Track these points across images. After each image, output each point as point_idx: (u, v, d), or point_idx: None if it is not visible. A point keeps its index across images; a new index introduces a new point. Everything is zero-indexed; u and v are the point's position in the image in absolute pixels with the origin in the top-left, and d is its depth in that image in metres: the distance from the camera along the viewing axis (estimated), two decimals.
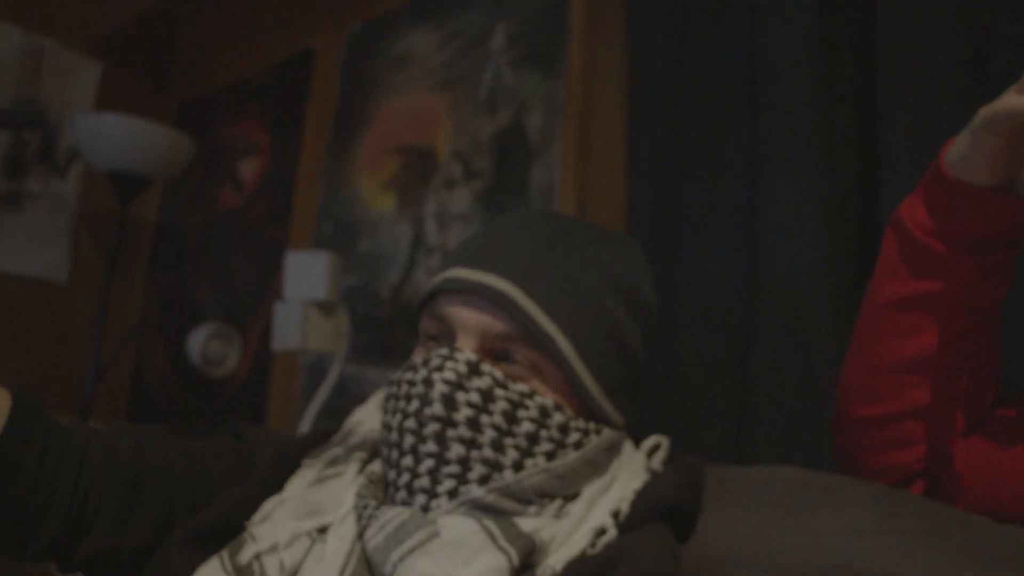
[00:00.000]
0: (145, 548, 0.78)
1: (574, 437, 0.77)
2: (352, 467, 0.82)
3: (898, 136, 1.17)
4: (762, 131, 1.30)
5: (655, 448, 0.87)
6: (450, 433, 0.73)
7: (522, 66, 1.89)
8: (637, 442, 0.88)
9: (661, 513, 0.75)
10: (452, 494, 0.73)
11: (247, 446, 0.91)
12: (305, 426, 1.80)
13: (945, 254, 0.76)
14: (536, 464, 0.74)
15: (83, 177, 2.74)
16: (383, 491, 0.78)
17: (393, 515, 0.71)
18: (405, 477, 0.74)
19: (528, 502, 0.73)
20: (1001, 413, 0.80)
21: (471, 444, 0.73)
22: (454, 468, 0.73)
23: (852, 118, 1.25)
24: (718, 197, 1.35)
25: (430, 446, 0.73)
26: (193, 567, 0.74)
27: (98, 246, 2.76)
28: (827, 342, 1.18)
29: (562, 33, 1.83)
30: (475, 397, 0.73)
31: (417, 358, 0.80)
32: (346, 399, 2.02)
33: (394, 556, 0.68)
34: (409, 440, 0.74)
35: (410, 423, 0.74)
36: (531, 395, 0.75)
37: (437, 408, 0.72)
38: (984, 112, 0.71)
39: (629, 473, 0.80)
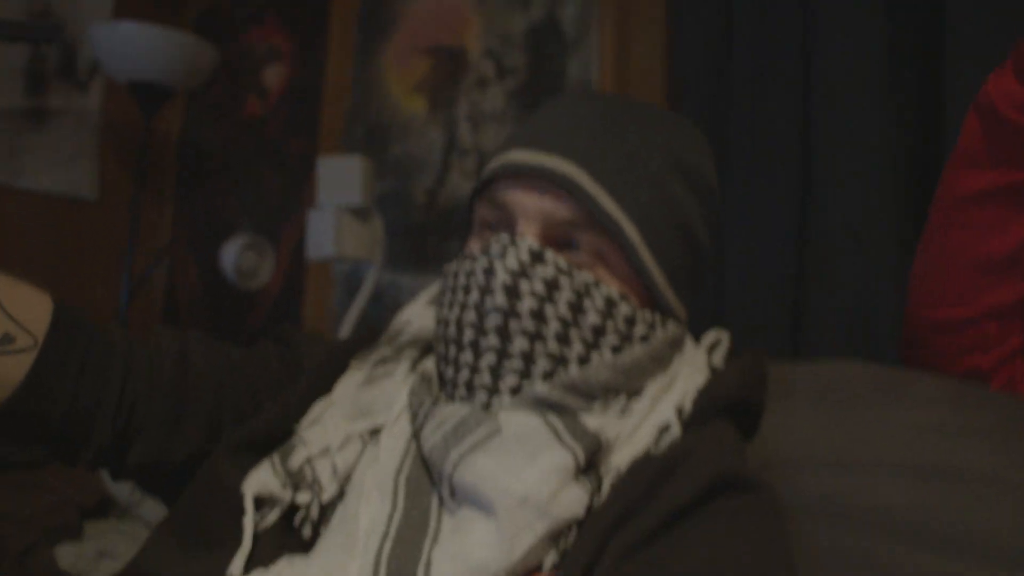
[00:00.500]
0: (194, 456, 0.76)
1: (640, 330, 0.73)
2: (403, 366, 0.79)
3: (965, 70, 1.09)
4: (815, 32, 1.22)
5: (715, 344, 0.83)
6: (513, 325, 0.69)
7: None
8: (696, 336, 0.84)
9: (725, 410, 0.72)
10: (515, 390, 0.69)
11: (292, 351, 0.88)
12: (344, 336, 1.79)
13: None
14: (602, 358, 0.70)
15: (105, 90, 2.68)
16: (438, 390, 0.75)
17: (451, 412, 0.68)
18: (464, 374, 0.71)
19: (593, 398, 0.70)
20: None
21: (535, 336, 0.69)
22: (517, 363, 0.69)
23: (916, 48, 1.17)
24: (768, 95, 1.28)
25: (492, 339, 0.69)
26: (244, 473, 0.72)
27: (125, 161, 2.72)
28: (889, 256, 1.13)
29: None
30: (539, 286, 0.69)
31: (473, 247, 0.76)
32: (382, 308, 2.00)
33: (454, 454, 0.65)
34: (469, 334, 0.70)
35: (469, 315, 0.70)
36: (597, 285, 0.71)
37: (499, 298, 0.68)
38: None
39: (691, 369, 0.76)
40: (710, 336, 0.83)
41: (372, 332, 0.89)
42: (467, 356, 0.70)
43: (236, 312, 2.50)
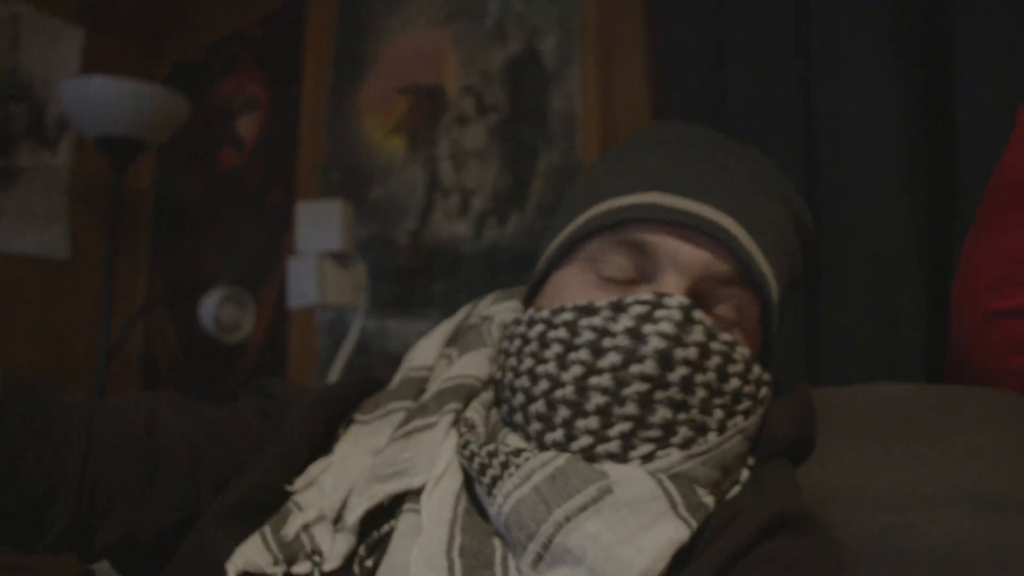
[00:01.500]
0: (169, 530, 0.68)
1: (763, 392, 0.67)
2: (446, 419, 0.69)
3: (973, 32, 1.05)
4: (815, 26, 1.18)
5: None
6: (658, 395, 0.61)
7: None
8: None
9: (780, 449, 0.67)
10: (647, 458, 0.61)
11: (274, 403, 0.80)
12: None
13: None
14: (736, 424, 0.64)
15: (75, 148, 2.62)
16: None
17: (544, 461, 0.59)
18: (584, 440, 0.62)
19: (725, 471, 0.63)
20: None
21: (680, 407, 0.61)
22: (656, 432, 0.61)
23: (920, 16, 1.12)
24: (768, 104, 1.23)
25: (629, 408, 0.61)
26: (236, 542, 0.64)
27: (97, 219, 2.65)
28: (906, 267, 1.07)
29: None
30: (692, 353, 0.61)
31: (579, 295, 0.67)
32: (367, 355, 1.92)
33: (558, 514, 0.56)
34: (598, 399, 0.61)
35: (604, 380, 0.61)
36: (735, 346, 0.64)
37: (649, 366, 0.60)
38: None
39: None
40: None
41: (367, 379, 0.81)
42: (592, 423, 0.62)
43: (218, 368, 2.42)
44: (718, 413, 0.63)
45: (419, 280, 1.87)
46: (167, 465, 0.69)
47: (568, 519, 0.55)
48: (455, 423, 0.68)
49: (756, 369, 0.66)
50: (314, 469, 0.70)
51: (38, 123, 2.57)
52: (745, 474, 0.65)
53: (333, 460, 0.71)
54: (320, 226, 1.59)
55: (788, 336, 1.16)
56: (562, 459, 0.59)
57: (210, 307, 2.05)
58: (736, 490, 0.64)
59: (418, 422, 0.69)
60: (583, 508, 0.56)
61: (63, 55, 2.64)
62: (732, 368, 0.63)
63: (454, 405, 0.69)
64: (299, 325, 2.17)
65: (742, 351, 0.64)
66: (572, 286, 0.68)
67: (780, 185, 0.71)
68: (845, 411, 0.73)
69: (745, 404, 0.65)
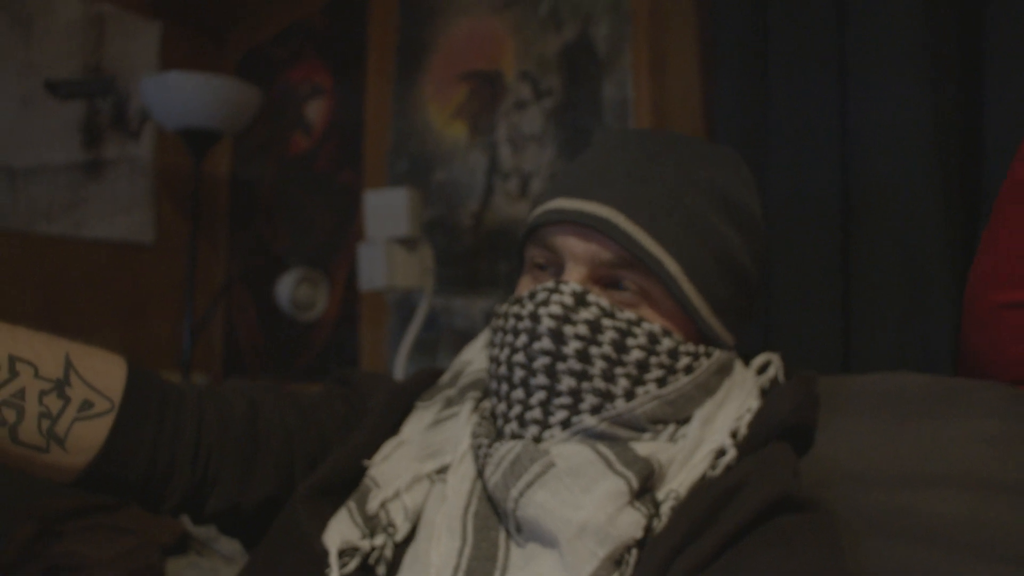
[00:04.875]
0: (269, 500, 0.80)
1: (684, 362, 0.75)
2: (467, 407, 0.81)
3: (1005, 41, 1.08)
4: (852, 33, 1.22)
5: (765, 366, 0.84)
6: (560, 366, 0.72)
7: None
8: (746, 359, 0.85)
9: (780, 433, 0.74)
10: (565, 424, 0.72)
11: (355, 392, 0.91)
12: (400, 362, 1.82)
13: None
14: (647, 391, 0.73)
15: (156, 137, 2.77)
16: (496, 427, 0.78)
17: (507, 450, 0.70)
18: (516, 409, 0.74)
19: (641, 429, 0.72)
20: None
21: (581, 376, 0.72)
22: (565, 399, 0.72)
23: (954, 24, 1.16)
24: (807, 104, 1.28)
25: (540, 379, 0.72)
26: (321, 519, 0.75)
27: (178, 204, 2.80)
28: (936, 255, 1.12)
29: None
30: (583, 329, 0.72)
31: (523, 289, 0.79)
32: (436, 332, 2.03)
33: (514, 492, 0.67)
34: (519, 373, 0.73)
35: (519, 357, 0.73)
36: (639, 322, 0.73)
37: (546, 342, 0.71)
38: None
39: (742, 392, 0.78)
40: (760, 359, 0.84)
41: (432, 372, 0.92)
42: (519, 393, 0.73)
43: (296, 344, 2.55)
44: (623, 381, 0.72)
45: (483, 260, 1.96)
46: (266, 446, 0.81)
47: (521, 495, 0.67)
48: (475, 410, 0.80)
49: (668, 341, 0.73)
50: (386, 448, 0.81)
51: (122, 115, 2.72)
52: (733, 453, 0.71)
53: (403, 439, 0.81)
54: (388, 213, 1.69)
55: (823, 330, 1.23)
56: (519, 446, 0.70)
57: (286, 287, 2.18)
58: (724, 463, 0.71)
59: (446, 412, 0.82)
60: (530, 483, 0.67)
61: (142, 48, 2.78)
62: (631, 341, 0.72)
63: (473, 394, 0.82)
64: (369, 303, 2.29)
65: (647, 326, 0.73)
66: (521, 282, 0.80)
67: (688, 170, 0.77)
68: (858, 396, 0.80)
69: (656, 372, 0.73)
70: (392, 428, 0.84)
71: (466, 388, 0.84)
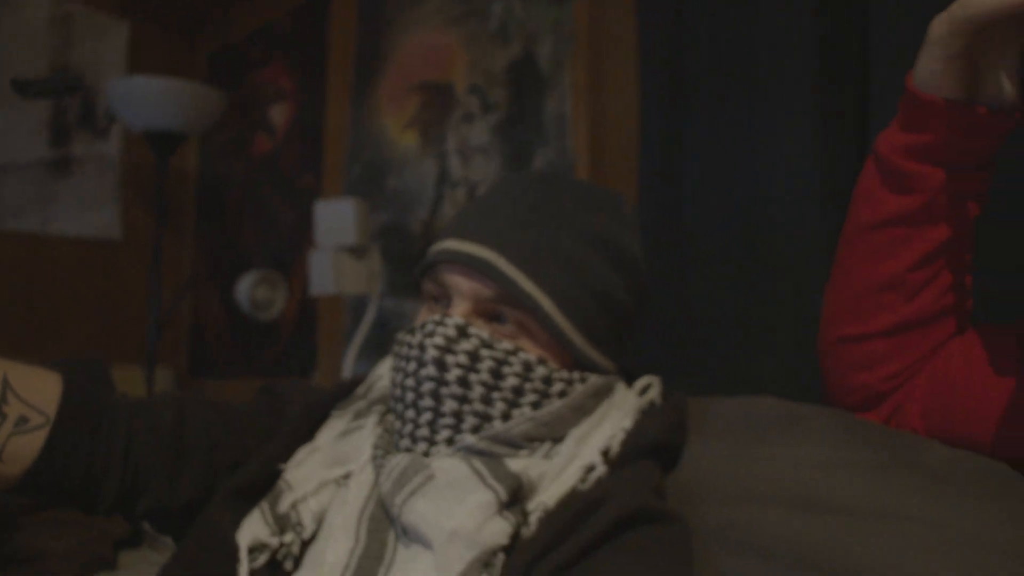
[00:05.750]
0: (195, 502, 0.89)
1: (558, 387, 0.84)
2: (372, 419, 0.91)
3: (891, 82, 1.17)
4: (759, 88, 1.31)
5: (646, 388, 0.93)
6: (443, 391, 0.81)
7: None
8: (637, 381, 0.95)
9: (648, 452, 0.83)
10: (449, 441, 0.81)
11: (279, 402, 1.00)
12: (350, 361, 1.91)
13: (915, 170, 0.79)
14: (523, 413, 0.82)
15: (124, 136, 2.83)
16: (394, 440, 0.87)
17: (396, 462, 0.80)
18: (408, 427, 0.83)
19: (518, 447, 0.82)
20: (967, 337, 0.84)
21: (462, 399, 0.81)
22: (449, 420, 0.81)
23: (848, 65, 1.25)
24: (720, 128, 1.37)
25: (427, 401, 0.81)
26: (237, 519, 0.84)
27: (146, 201, 2.87)
28: (822, 277, 1.22)
29: None
30: (463, 359, 0.81)
31: (421, 319, 0.88)
32: (387, 333, 2.11)
33: (399, 499, 0.77)
34: (410, 395, 0.82)
35: (410, 381, 0.82)
36: (515, 352, 0.82)
37: (430, 370, 0.81)
38: (940, 19, 0.73)
39: (620, 413, 0.87)
40: (642, 381, 0.94)
41: (352, 382, 1.01)
42: (410, 413, 0.83)
43: (258, 341, 2.63)
44: (500, 405, 0.81)
45: None
46: (191, 453, 0.90)
47: (404, 502, 0.76)
48: (380, 423, 0.89)
49: (542, 369, 0.83)
50: (301, 453, 0.90)
51: (90, 114, 2.78)
52: (603, 469, 0.80)
53: (316, 446, 0.91)
54: (336, 222, 1.78)
55: (723, 347, 1.32)
56: (407, 459, 0.79)
57: (245, 288, 2.26)
58: (593, 478, 0.79)
59: (355, 423, 0.91)
60: (413, 493, 0.76)
61: (111, 48, 2.84)
62: (507, 369, 0.81)
63: (379, 408, 0.91)
64: (327, 304, 2.37)
65: (523, 356, 0.82)
66: (420, 312, 0.90)
67: (566, 215, 0.86)
68: (720, 419, 0.89)
69: (531, 397, 0.82)
70: (308, 435, 0.93)
71: (374, 402, 0.94)
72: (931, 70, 0.75)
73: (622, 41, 1.72)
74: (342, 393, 1.00)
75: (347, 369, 1.92)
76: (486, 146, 1.94)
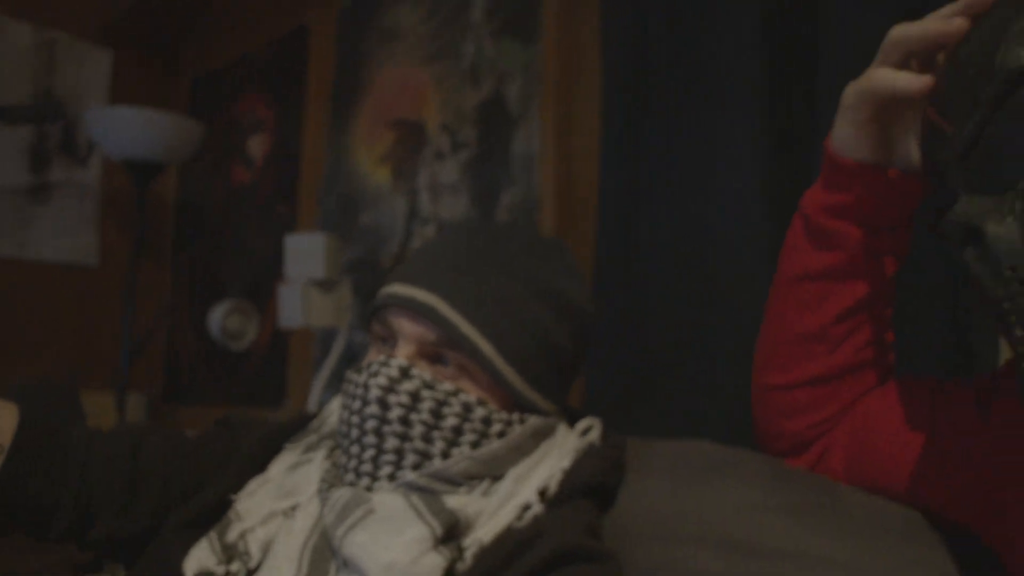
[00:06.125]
0: (147, 531, 0.92)
1: (497, 427, 0.88)
2: (321, 453, 0.94)
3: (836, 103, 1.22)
4: (711, 118, 1.36)
5: (588, 429, 0.97)
6: (385, 429, 0.84)
7: (501, 36, 1.95)
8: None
9: (584, 491, 0.87)
10: (391, 477, 0.85)
11: (233, 434, 1.03)
12: (316, 393, 1.93)
13: (836, 228, 0.83)
14: (462, 452, 0.86)
15: (103, 163, 2.87)
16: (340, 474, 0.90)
17: (339, 495, 0.83)
18: (353, 462, 0.86)
19: (457, 484, 0.85)
20: (887, 387, 0.87)
21: (403, 437, 0.84)
22: (391, 456, 0.85)
23: (798, 109, 1.31)
24: (675, 166, 1.42)
25: (370, 438, 0.85)
26: (185, 547, 0.87)
27: (124, 228, 2.90)
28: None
29: (538, 1, 1.88)
30: (404, 398, 0.84)
31: (368, 359, 0.91)
32: (356, 364, 2.13)
33: (339, 531, 0.80)
34: (355, 432, 0.86)
35: (355, 419, 0.86)
36: (456, 393, 0.86)
37: (373, 408, 0.84)
38: (850, 88, 0.78)
39: (559, 453, 0.91)
40: (583, 423, 0.97)
41: (307, 417, 1.05)
42: (355, 448, 0.86)
43: (231, 369, 2.65)
44: (439, 443, 0.85)
45: None
46: (144, 484, 0.93)
47: (345, 535, 0.78)
48: (328, 457, 0.92)
49: (481, 410, 0.86)
50: (252, 484, 0.93)
51: (71, 141, 2.82)
52: (539, 507, 0.84)
53: (268, 477, 0.94)
54: (306, 256, 1.81)
55: (689, 365, 1.35)
56: (349, 492, 0.82)
57: (217, 317, 2.29)
58: (530, 516, 0.83)
59: (305, 456, 0.94)
60: (352, 526, 0.79)
61: (93, 75, 2.88)
62: (447, 410, 0.85)
63: (328, 443, 0.95)
64: (298, 335, 2.40)
65: (463, 397, 0.86)
66: (370, 352, 0.93)
67: (510, 264, 0.90)
68: (658, 460, 0.93)
69: (470, 436, 0.86)
70: (260, 467, 0.96)
71: (324, 436, 0.97)
72: (845, 134, 0.80)
73: (589, 82, 1.76)
74: (296, 427, 1.03)
75: (313, 401, 1.94)
76: (456, 184, 1.99)
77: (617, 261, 1.48)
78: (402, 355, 0.87)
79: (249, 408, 2.49)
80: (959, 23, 0.68)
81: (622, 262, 1.48)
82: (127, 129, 2.39)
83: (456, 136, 2.00)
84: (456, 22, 2.07)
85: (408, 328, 0.87)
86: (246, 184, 2.74)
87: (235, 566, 0.85)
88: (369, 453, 0.85)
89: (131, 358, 2.50)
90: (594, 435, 0.95)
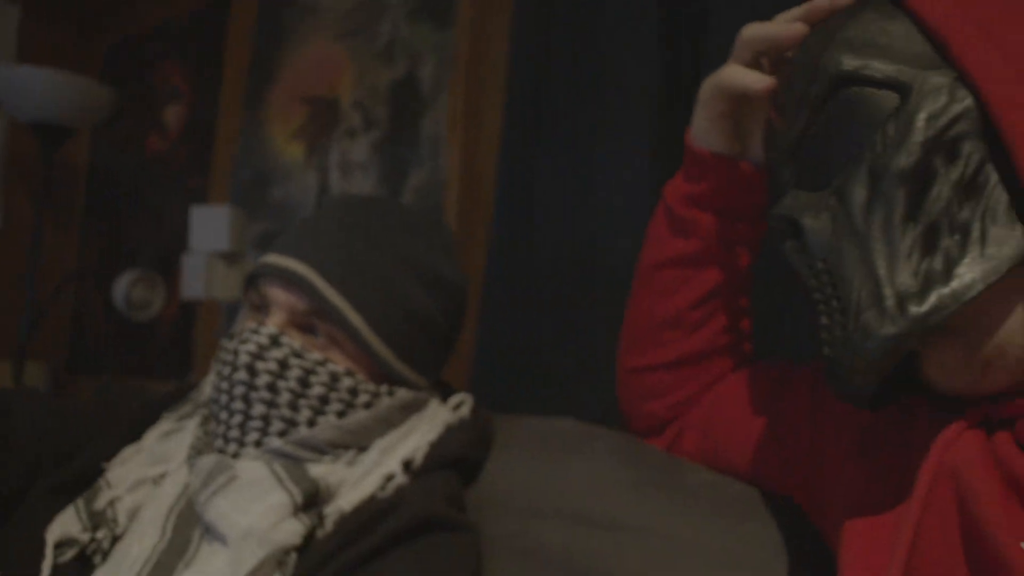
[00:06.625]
0: (14, 494, 0.92)
1: (364, 398, 0.90)
2: (194, 421, 0.95)
3: None
4: (607, 121, 1.40)
5: (460, 404, 1.00)
6: (252, 395, 0.86)
7: (418, 17, 1.96)
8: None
9: (449, 463, 0.90)
10: (257, 444, 0.87)
11: (112, 403, 1.04)
12: None
13: (692, 216, 0.87)
14: (328, 421, 0.88)
15: (8, 124, 2.79)
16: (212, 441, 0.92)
17: (205, 462, 0.85)
18: (222, 428, 0.88)
19: (322, 452, 0.87)
20: (741, 373, 0.92)
21: (270, 404, 0.87)
22: (257, 423, 0.87)
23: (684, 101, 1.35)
24: (569, 162, 1.46)
25: (238, 404, 0.87)
26: (52, 515, 0.87)
27: (30, 192, 2.83)
28: None
29: None
30: (272, 366, 0.86)
31: (241, 325, 0.93)
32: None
33: (202, 497, 0.82)
34: (224, 398, 0.88)
35: (224, 385, 0.88)
36: (323, 363, 0.88)
37: (242, 374, 0.86)
38: (706, 83, 0.82)
39: (427, 426, 0.94)
40: (455, 398, 1.00)
41: (189, 387, 1.06)
42: (224, 415, 0.88)
43: (138, 340, 2.62)
44: (305, 412, 0.87)
45: None
46: (14, 442, 0.93)
47: (207, 500, 0.81)
48: (202, 425, 0.94)
49: (348, 381, 0.89)
50: (126, 452, 0.94)
51: None
52: (404, 478, 0.87)
53: (141, 446, 0.95)
54: (211, 228, 1.81)
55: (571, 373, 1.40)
56: (214, 459, 0.84)
57: (122, 287, 2.26)
58: (393, 486, 0.86)
59: (178, 424, 0.96)
60: (215, 492, 0.81)
61: None
62: (314, 379, 0.88)
63: (203, 411, 0.96)
64: (205, 307, 2.38)
65: (331, 367, 0.88)
66: (246, 320, 0.94)
67: (384, 239, 0.93)
68: (522, 436, 0.97)
69: (336, 406, 0.89)
70: (136, 435, 0.97)
71: (200, 405, 0.99)
72: (702, 126, 0.84)
73: (499, 69, 1.79)
74: (177, 396, 1.04)
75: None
76: (366, 162, 2.00)
77: (511, 246, 1.52)
78: (273, 323, 0.89)
79: (154, 380, 2.46)
80: (798, 28, 0.73)
81: (516, 247, 1.51)
82: (35, 90, 2.32)
83: (368, 114, 2.01)
84: (374, 1, 2.07)
85: (280, 297, 0.89)
86: (160, 153, 2.70)
87: (101, 533, 0.86)
88: (237, 419, 0.87)
89: (33, 327, 2.45)
90: (465, 410, 0.98)
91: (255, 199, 2.24)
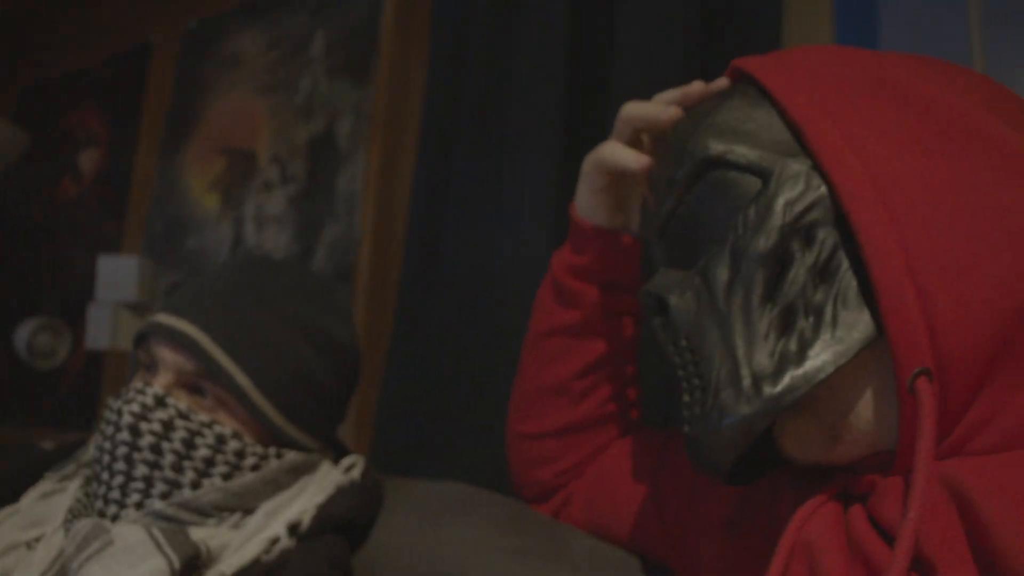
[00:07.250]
0: None
1: (250, 461, 0.90)
2: (76, 483, 0.94)
3: None
4: (512, 167, 1.44)
5: (352, 466, 1.01)
6: (135, 456, 0.86)
7: (338, 74, 1.98)
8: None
9: (336, 526, 0.90)
10: (139, 505, 0.86)
11: None
12: None
13: (576, 287, 0.89)
14: (213, 483, 0.88)
15: None
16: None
17: (81, 526, 0.83)
18: (103, 489, 0.87)
19: (207, 514, 0.87)
20: (626, 440, 0.95)
21: (154, 465, 0.86)
22: (139, 484, 0.86)
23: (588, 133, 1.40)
24: (474, 215, 1.49)
25: (120, 465, 0.86)
26: None
27: None
28: None
29: (375, 44, 1.92)
30: (157, 427, 0.86)
31: (130, 385, 0.92)
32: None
33: (75, 563, 0.80)
34: (106, 458, 0.87)
35: (107, 444, 0.87)
36: (210, 425, 0.88)
37: (124, 435, 0.86)
38: (588, 158, 0.85)
39: (316, 489, 0.94)
40: (348, 460, 1.01)
41: (75, 444, 1.04)
42: (105, 475, 0.87)
43: (41, 389, 2.54)
44: (190, 474, 0.88)
45: None
46: None
47: (80, 567, 0.80)
48: (83, 486, 0.93)
49: (235, 443, 0.90)
50: (1, 513, 0.92)
51: None
52: (290, 541, 0.87)
53: (18, 507, 0.93)
54: (118, 278, 1.78)
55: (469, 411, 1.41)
56: (89, 524, 0.83)
57: (24, 334, 2.20)
58: (278, 550, 0.86)
59: (59, 485, 0.95)
60: (89, 558, 0.80)
61: None
62: (200, 440, 0.88)
63: (86, 471, 0.95)
64: (113, 356, 2.33)
65: (217, 429, 0.89)
66: (135, 379, 0.94)
67: (275, 302, 0.94)
68: (412, 499, 0.98)
69: (222, 468, 0.89)
70: (14, 496, 0.95)
71: (83, 464, 0.97)
72: (584, 200, 0.87)
73: (414, 126, 1.83)
74: (62, 455, 1.02)
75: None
76: (281, 216, 2.00)
77: (416, 301, 1.53)
78: (160, 384, 0.89)
79: (59, 430, 2.39)
80: (672, 111, 0.76)
81: (420, 302, 1.53)
82: None
83: (286, 169, 2.02)
84: (295, 57, 2.09)
85: (168, 357, 0.89)
86: (72, 199, 2.65)
87: None
88: (118, 480, 0.87)
89: None
90: (356, 472, 0.99)
91: (169, 248, 2.21)
